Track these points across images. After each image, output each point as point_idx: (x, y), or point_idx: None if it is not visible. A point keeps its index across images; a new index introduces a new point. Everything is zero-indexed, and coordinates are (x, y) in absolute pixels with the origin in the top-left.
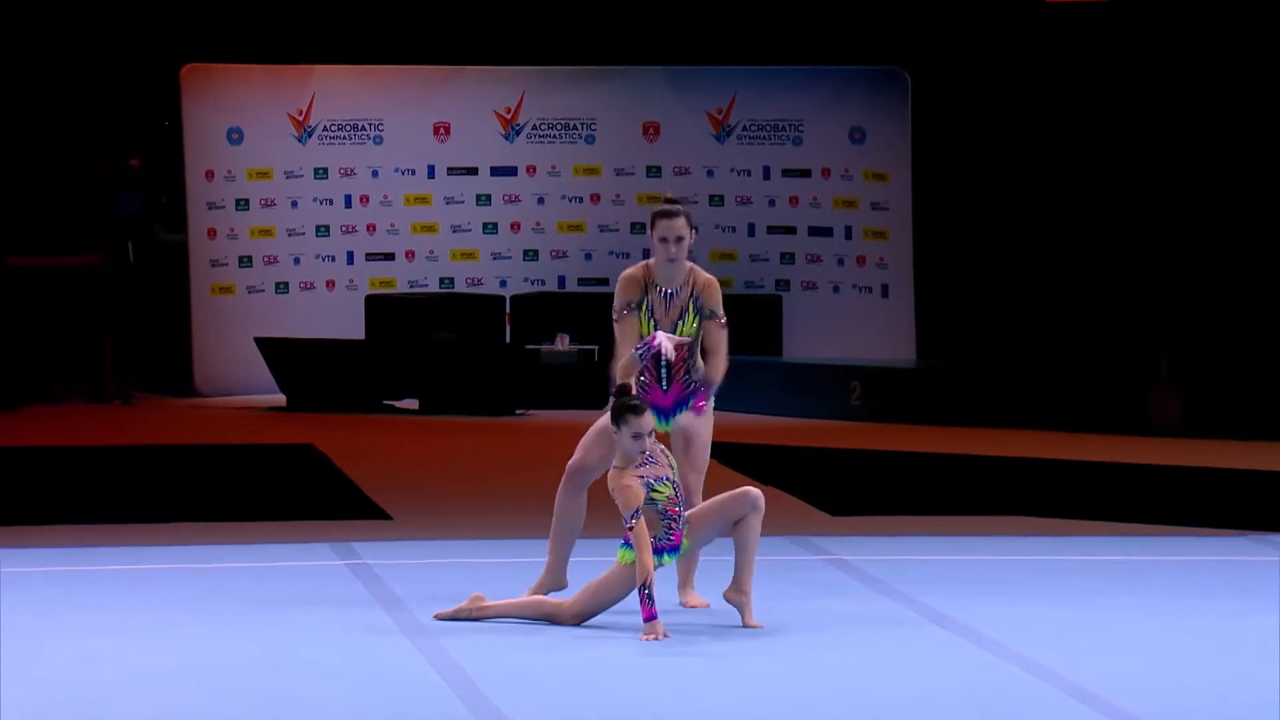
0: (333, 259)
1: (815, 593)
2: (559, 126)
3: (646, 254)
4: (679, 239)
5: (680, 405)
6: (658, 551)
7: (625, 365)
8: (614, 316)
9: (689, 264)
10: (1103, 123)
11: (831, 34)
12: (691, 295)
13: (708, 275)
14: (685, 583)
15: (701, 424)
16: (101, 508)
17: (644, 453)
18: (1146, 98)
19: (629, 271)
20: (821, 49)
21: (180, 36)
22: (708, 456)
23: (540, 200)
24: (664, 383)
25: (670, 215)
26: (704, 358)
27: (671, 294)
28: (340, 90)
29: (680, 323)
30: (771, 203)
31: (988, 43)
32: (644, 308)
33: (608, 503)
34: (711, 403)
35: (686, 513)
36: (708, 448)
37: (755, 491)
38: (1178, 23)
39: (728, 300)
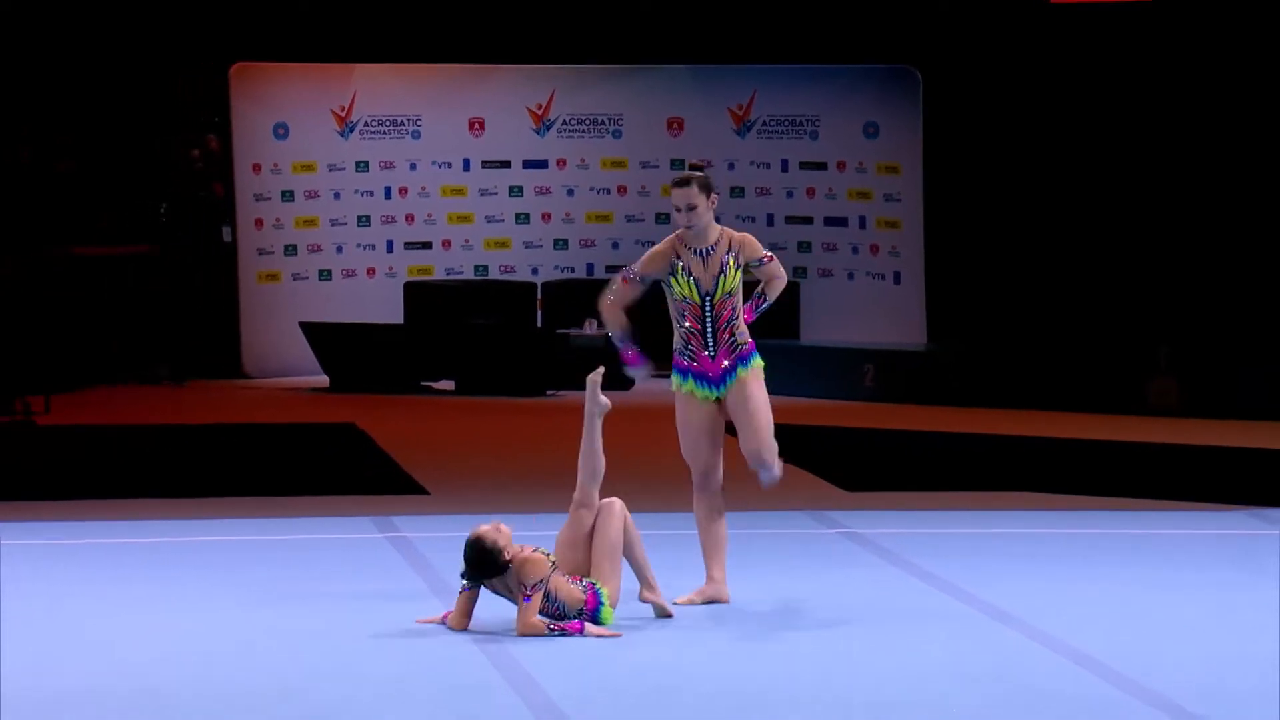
0: (373, 248)
1: (831, 564)
2: (588, 122)
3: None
4: (691, 207)
5: (730, 372)
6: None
7: (608, 305)
8: (624, 274)
9: (719, 226)
10: (1105, 117)
11: (846, 34)
12: (729, 251)
13: (741, 233)
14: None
15: (754, 387)
16: (155, 483)
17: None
18: (1147, 93)
19: (658, 247)
20: (837, 48)
21: (230, 37)
22: (767, 418)
23: (570, 192)
24: (711, 349)
25: (681, 184)
26: (765, 288)
27: (707, 251)
28: (380, 88)
29: (721, 277)
30: (789, 194)
31: (994, 42)
32: (680, 270)
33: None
34: (757, 361)
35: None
36: (764, 409)
37: (604, 501)
38: (1177, 22)
39: (752, 285)
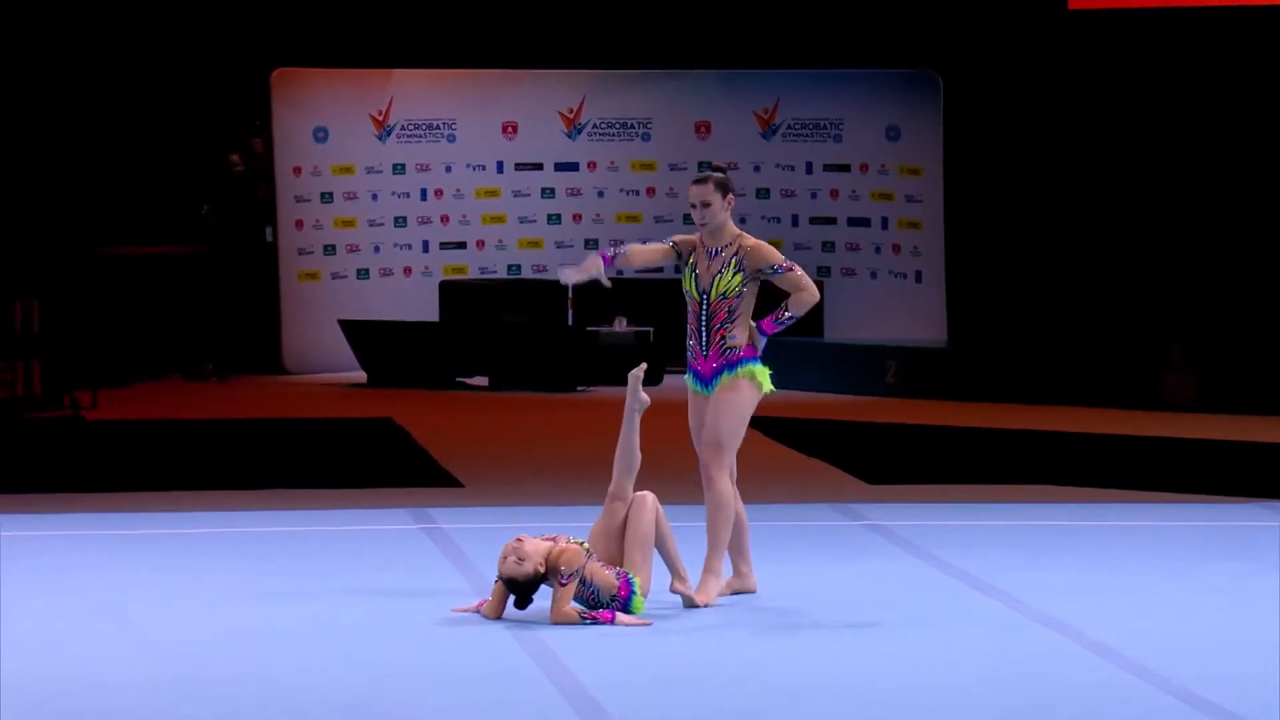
0: (410, 247)
1: (855, 556)
2: (617, 125)
3: None
4: (705, 204)
5: (717, 374)
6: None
7: (639, 249)
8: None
9: (736, 229)
10: (1121, 120)
11: (869, 39)
12: (735, 255)
13: (755, 240)
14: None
15: (726, 394)
16: (198, 476)
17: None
18: (1163, 96)
19: (687, 236)
20: (859, 53)
21: (271, 43)
22: (721, 430)
23: (600, 193)
24: (705, 348)
25: (698, 182)
26: (788, 300)
27: (716, 251)
28: (417, 92)
29: (719, 277)
30: (814, 195)
31: (1014, 46)
32: (690, 264)
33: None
34: (748, 368)
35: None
36: (720, 422)
37: (637, 494)
38: (1191, 27)
39: (783, 296)
